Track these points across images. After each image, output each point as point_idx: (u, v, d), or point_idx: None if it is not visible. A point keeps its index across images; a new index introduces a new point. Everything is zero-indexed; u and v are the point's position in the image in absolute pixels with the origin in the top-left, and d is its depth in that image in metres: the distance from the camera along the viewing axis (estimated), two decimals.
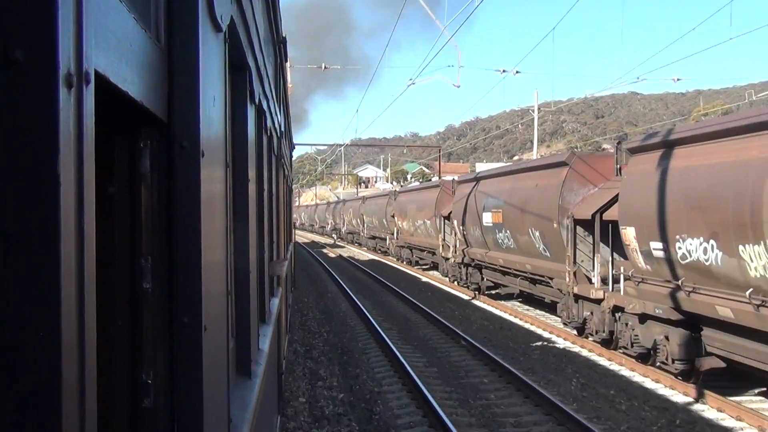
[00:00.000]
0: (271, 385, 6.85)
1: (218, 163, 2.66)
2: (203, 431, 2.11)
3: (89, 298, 1.20)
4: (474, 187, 27.80)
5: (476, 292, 28.83)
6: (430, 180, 67.16)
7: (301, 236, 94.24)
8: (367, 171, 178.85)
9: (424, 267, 41.71)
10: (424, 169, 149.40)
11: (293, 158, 37.00)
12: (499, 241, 24.11)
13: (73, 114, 1.14)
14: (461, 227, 28.90)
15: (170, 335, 2.06)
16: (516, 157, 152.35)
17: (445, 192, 34.38)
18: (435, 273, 38.50)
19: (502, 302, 26.52)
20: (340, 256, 54.99)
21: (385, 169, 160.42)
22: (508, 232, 23.11)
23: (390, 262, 48.27)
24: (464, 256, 29.10)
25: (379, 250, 55.63)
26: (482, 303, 27.27)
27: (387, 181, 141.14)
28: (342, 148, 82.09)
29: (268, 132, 7.13)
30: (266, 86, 6.15)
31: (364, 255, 56.28)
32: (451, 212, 31.48)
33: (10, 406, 1.06)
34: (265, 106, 6.10)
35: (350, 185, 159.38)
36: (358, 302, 25.84)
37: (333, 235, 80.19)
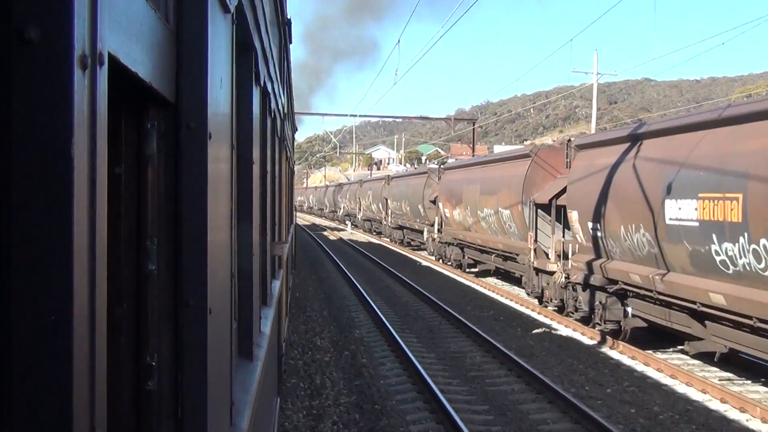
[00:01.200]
0: (272, 367, 6.87)
1: (224, 145, 2.65)
2: (207, 414, 2.11)
3: (100, 280, 1.20)
4: (628, 152, 15.75)
5: (610, 336, 16.88)
6: (446, 163, 54.12)
7: (307, 220, 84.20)
8: (380, 152, 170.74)
9: (473, 271, 30.67)
10: (440, 150, 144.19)
11: (296, 140, 35.07)
12: (720, 257, 12.19)
13: (87, 95, 1.14)
14: (593, 225, 17.12)
15: (175, 318, 2.06)
16: (528, 142, 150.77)
17: (541, 166, 22.66)
18: (492, 280, 28.11)
19: (665, 358, 15.35)
20: (360, 250, 41.80)
21: (398, 150, 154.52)
22: (764, 242, 11.14)
23: (426, 261, 36.69)
24: (591, 273, 17.31)
25: (409, 244, 44.91)
26: (634, 361, 15.33)
27: (400, 163, 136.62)
28: (355, 120, 76.75)
29: (272, 114, 7.11)
30: (271, 68, 6.13)
31: (391, 251, 43.33)
32: (558, 198, 20.33)
33: (25, 391, 1.06)
34: (269, 89, 6.08)
35: (361, 167, 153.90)
36: (413, 358, 14.22)
37: (346, 222, 67.84)
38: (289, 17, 11.45)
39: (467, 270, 30.95)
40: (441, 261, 34.69)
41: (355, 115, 57.36)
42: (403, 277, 27.91)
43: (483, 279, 28.67)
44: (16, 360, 1.05)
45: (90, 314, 1.15)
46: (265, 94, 5.71)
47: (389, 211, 49.53)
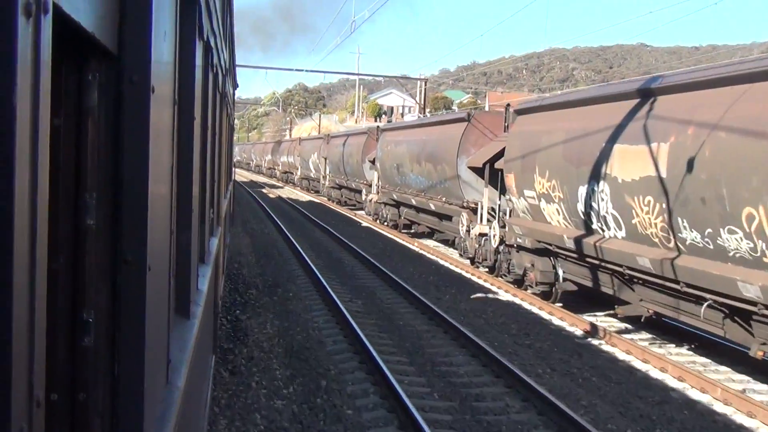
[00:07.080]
0: (208, 325, 6.84)
1: (167, 100, 2.61)
2: (144, 372, 2.10)
3: (41, 235, 1.17)
4: None
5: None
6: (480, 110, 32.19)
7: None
8: (391, 97, 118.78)
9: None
10: (476, 99, 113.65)
11: (236, 95, 33.04)
12: None
13: (31, 44, 1.10)
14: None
15: (113, 274, 2.03)
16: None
17: None
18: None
19: None
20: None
21: (417, 96, 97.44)
22: None
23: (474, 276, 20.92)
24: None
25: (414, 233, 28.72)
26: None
27: (421, 113, 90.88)
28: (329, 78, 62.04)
29: (214, 69, 6.99)
30: (214, 22, 6.01)
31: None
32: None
33: None
34: (212, 43, 5.97)
35: (366, 117, 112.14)
36: None
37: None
38: None
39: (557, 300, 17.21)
40: (499, 276, 19.97)
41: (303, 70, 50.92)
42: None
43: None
44: None
45: (30, 270, 1.12)
46: (207, 49, 5.61)
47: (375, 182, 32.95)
